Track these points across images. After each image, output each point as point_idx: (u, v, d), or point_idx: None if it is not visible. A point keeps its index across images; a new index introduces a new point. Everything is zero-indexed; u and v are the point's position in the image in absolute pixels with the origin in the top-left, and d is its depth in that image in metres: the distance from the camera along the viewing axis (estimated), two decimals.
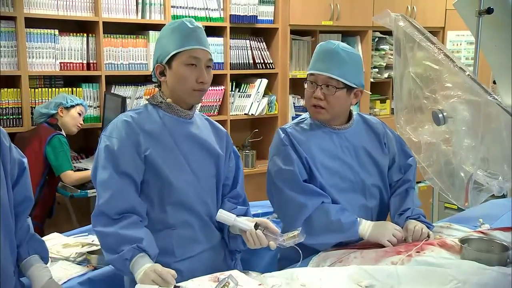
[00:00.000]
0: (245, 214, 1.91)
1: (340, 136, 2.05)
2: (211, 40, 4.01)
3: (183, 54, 1.76)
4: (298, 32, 4.33)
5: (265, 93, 4.27)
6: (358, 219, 1.96)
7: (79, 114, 3.37)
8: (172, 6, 3.83)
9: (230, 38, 4.08)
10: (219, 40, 4.06)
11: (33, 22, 3.40)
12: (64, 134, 3.31)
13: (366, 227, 1.94)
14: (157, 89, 1.88)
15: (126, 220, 1.69)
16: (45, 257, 1.77)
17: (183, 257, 1.81)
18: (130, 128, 1.75)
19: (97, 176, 1.74)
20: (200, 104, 3.98)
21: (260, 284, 1.63)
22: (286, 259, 2.12)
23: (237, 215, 1.82)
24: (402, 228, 2.02)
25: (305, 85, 2.03)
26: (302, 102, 4.41)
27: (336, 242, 1.98)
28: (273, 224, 1.80)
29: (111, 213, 1.69)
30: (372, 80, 4.70)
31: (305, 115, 2.13)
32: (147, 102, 1.88)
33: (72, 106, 3.34)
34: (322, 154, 2.01)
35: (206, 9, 3.99)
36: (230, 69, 4.11)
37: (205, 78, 1.79)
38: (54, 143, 3.18)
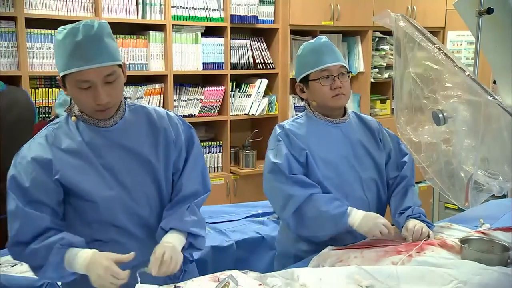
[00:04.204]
0: (175, 226, 1.70)
1: (337, 129, 2.09)
2: (212, 40, 4.02)
3: (71, 76, 1.56)
4: (298, 32, 4.33)
5: (266, 93, 4.27)
6: (349, 209, 1.94)
7: None
8: (172, 6, 3.83)
9: (230, 38, 4.08)
10: (219, 40, 4.07)
11: (34, 22, 3.40)
12: None
13: (355, 218, 1.92)
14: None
15: (41, 237, 1.60)
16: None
17: None
18: (42, 151, 1.63)
19: (7, 205, 1.63)
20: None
21: (260, 284, 1.63)
22: (283, 256, 2.14)
23: (165, 229, 1.69)
24: (402, 227, 2.02)
25: (315, 84, 2.04)
26: (302, 103, 4.40)
27: (330, 233, 1.98)
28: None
29: (25, 240, 1.60)
30: (372, 80, 4.70)
31: (302, 113, 2.17)
32: (67, 112, 1.71)
33: None
34: (320, 147, 2.04)
35: (206, 9, 3.99)
36: (230, 69, 4.11)
37: (101, 100, 1.57)
38: None
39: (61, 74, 1.59)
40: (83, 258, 1.57)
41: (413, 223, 1.99)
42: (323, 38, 2.11)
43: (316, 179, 2.01)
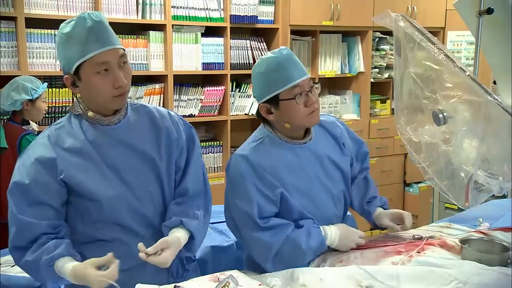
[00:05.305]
0: (182, 223, 1.71)
1: (303, 149, 1.94)
2: (212, 40, 4.02)
3: (89, 62, 1.58)
4: (298, 32, 4.33)
5: None
6: (323, 231, 1.88)
7: (43, 102, 3.19)
8: (172, 6, 3.84)
9: (230, 38, 4.08)
10: (219, 40, 4.07)
11: (34, 22, 3.40)
12: (34, 130, 3.12)
13: (333, 238, 1.88)
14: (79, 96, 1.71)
15: (35, 243, 1.61)
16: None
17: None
18: (45, 151, 1.63)
19: (8, 208, 1.64)
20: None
21: (260, 284, 1.63)
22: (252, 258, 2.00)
23: (170, 227, 1.71)
24: (373, 215, 2.08)
25: (289, 104, 1.84)
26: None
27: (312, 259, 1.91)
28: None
29: (21, 245, 1.61)
30: (372, 80, 4.71)
31: (261, 134, 1.95)
32: (70, 111, 1.72)
33: (37, 97, 3.12)
34: (290, 175, 1.90)
35: (206, 9, 3.99)
36: (231, 69, 4.11)
37: (122, 82, 1.61)
38: (24, 146, 2.80)
39: (77, 64, 1.58)
40: (68, 272, 1.57)
41: (388, 211, 2.05)
42: (285, 49, 1.88)
43: (296, 209, 1.90)
